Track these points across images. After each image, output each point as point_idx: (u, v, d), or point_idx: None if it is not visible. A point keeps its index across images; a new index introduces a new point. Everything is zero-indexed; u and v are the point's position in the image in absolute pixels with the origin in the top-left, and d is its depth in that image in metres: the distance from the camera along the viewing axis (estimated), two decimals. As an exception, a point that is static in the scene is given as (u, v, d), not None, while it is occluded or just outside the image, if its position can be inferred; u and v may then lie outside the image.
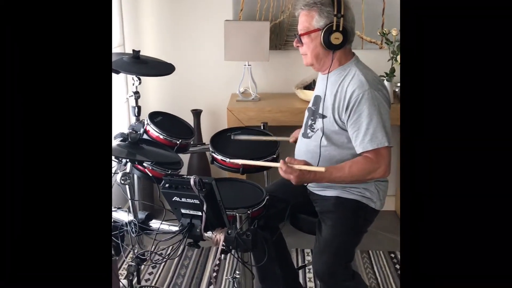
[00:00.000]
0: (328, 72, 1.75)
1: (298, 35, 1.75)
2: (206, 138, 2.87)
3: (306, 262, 2.53)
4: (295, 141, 1.98)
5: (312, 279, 2.38)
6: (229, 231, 1.36)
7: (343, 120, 1.71)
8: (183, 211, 1.41)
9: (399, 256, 2.58)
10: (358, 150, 1.67)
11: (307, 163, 1.61)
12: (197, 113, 2.88)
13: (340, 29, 1.66)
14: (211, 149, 2.04)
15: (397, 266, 2.50)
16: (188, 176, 1.34)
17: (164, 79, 2.82)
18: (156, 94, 2.99)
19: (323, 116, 1.76)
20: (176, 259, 2.56)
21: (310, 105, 1.88)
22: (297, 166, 1.59)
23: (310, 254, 2.60)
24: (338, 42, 1.68)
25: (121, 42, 2.77)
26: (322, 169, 1.59)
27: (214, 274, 2.46)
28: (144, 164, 1.64)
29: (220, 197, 1.37)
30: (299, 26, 1.74)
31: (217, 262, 2.54)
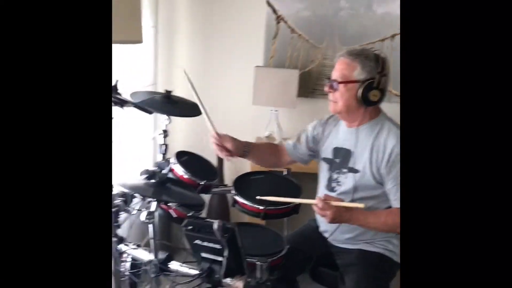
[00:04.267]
0: (358, 126, 1.74)
1: (332, 81, 1.68)
2: (228, 179, 2.87)
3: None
4: None
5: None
6: (248, 279, 1.34)
7: (381, 173, 1.67)
8: (203, 255, 1.40)
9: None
10: (397, 204, 1.63)
11: (343, 201, 1.57)
12: (221, 154, 2.91)
13: (380, 87, 1.64)
14: (234, 192, 2.04)
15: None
16: (211, 220, 1.34)
17: (191, 119, 2.87)
18: (183, 132, 3.04)
19: (355, 170, 1.73)
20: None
21: (328, 155, 1.85)
22: (334, 203, 1.54)
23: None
24: (375, 99, 1.65)
25: (153, 81, 2.85)
26: (361, 205, 1.53)
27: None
28: (169, 204, 1.65)
29: (242, 244, 1.36)
30: (336, 72, 1.68)
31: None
